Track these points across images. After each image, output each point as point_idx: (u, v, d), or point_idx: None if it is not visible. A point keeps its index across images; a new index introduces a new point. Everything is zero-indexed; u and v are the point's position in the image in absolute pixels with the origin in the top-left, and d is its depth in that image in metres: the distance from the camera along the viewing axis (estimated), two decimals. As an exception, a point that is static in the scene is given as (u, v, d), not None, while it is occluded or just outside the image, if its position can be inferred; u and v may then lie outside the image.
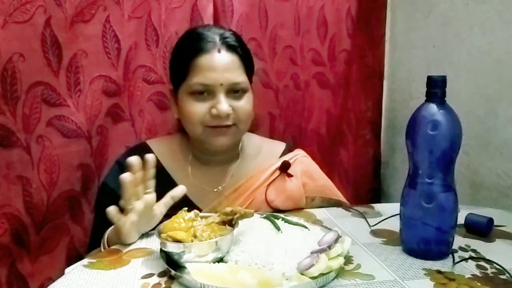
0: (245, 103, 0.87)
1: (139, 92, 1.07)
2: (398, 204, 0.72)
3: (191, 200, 0.91)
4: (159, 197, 0.81)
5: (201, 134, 0.86)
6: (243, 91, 0.87)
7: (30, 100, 0.88)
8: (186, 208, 0.71)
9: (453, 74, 1.09)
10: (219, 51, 0.84)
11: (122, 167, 0.88)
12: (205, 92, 0.84)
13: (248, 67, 0.90)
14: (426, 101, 0.67)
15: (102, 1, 0.95)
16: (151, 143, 0.96)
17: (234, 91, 0.86)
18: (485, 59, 1.04)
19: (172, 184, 0.89)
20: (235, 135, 0.88)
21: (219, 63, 0.84)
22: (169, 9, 1.07)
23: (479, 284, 0.60)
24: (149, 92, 1.08)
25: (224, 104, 0.83)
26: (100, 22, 0.95)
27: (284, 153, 0.99)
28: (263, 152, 0.99)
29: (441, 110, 0.66)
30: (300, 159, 0.98)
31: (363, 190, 1.46)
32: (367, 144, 1.44)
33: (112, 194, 0.85)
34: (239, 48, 0.87)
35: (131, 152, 0.93)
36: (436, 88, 0.66)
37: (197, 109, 0.84)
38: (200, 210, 0.86)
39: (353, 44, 1.35)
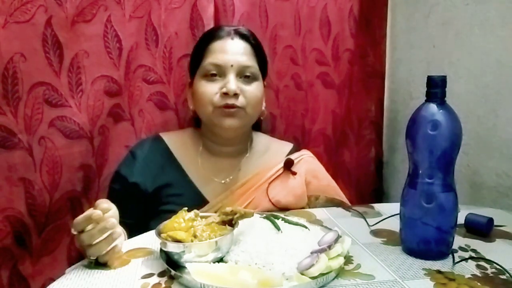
0: (254, 89, 0.91)
1: (138, 92, 1.07)
2: (398, 204, 0.72)
3: (199, 189, 0.93)
4: (169, 183, 0.91)
5: (211, 114, 0.89)
6: (254, 78, 0.91)
7: (31, 101, 0.87)
8: (186, 208, 0.71)
9: (453, 74, 1.09)
10: (232, 38, 0.92)
11: (135, 155, 0.93)
12: (217, 74, 0.90)
13: (260, 60, 0.95)
14: (426, 101, 0.68)
15: (103, 0, 0.95)
16: (164, 135, 0.99)
17: (245, 76, 0.90)
18: (485, 59, 1.04)
19: (182, 173, 0.94)
20: (243, 118, 0.91)
21: (231, 47, 0.91)
22: (169, 9, 1.07)
23: (479, 284, 0.60)
24: (148, 92, 1.08)
25: (232, 83, 0.87)
26: (101, 22, 0.95)
27: (291, 153, 1.02)
28: (271, 150, 1.02)
29: (441, 110, 0.66)
30: (306, 159, 1.01)
31: (366, 190, 1.45)
32: (370, 144, 1.43)
33: (123, 181, 0.91)
34: (251, 38, 0.94)
35: (144, 142, 0.98)
36: (436, 88, 0.66)
37: (208, 89, 0.89)
38: (206, 200, 0.91)
39: (356, 44, 1.34)
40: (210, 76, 0.90)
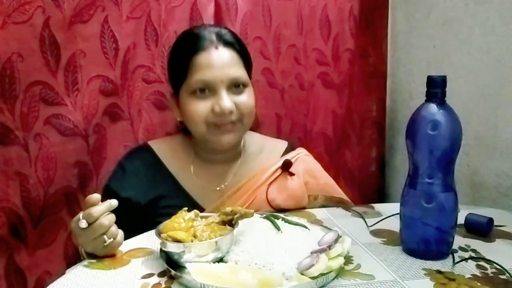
0: (247, 98, 0.87)
1: (138, 92, 1.07)
2: (398, 204, 0.72)
3: (194, 198, 0.91)
4: (162, 195, 0.87)
5: (206, 133, 0.86)
6: (244, 86, 0.87)
7: (28, 99, 0.90)
8: (186, 208, 0.71)
9: (453, 74, 1.09)
10: (216, 47, 0.84)
11: (124, 168, 0.90)
12: (207, 90, 0.84)
13: (246, 63, 0.89)
14: (426, 101, 0.67)
15: (101, 1, 0.95)
16: (152, 144, 0.95)
17: (235, 86, 0.85)
18: (485, 59, 1.04)
19: (175, 183, 0.91)
20: (240, 131, 0.88)
21: (218, 60, 0.84)
22: (169, 8, 1.07)
23: (479, 284, 0.60)
24: (147, 92, 1.08)
25: (226, 101, 0.83)
26: (99, 22, 0.96)
27: (286, 151, 0.99)
28: (265, 150, 0.99)
29: (441, 110, 0.66)
30: (302, 158, 0.98)
31: (369, 191, 1.44)
32: (372, 144, 1.42)
33: (114, 195, 0.84)
34: (236, 44, 0.87)
35: (133, 153, 0.94)
36: (436, 88, 0.66)
37: (200, 107, 0.84)
38: (203, 209, 0.87)
39: (356, 44, 1.34)
40: (199, 93, 0.84)
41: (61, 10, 0.90)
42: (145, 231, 0.80)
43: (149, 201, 0.88)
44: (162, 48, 1.08)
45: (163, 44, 1.08)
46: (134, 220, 0.85)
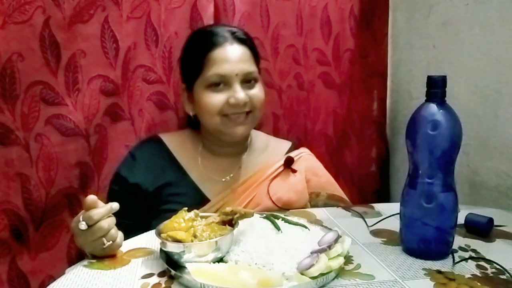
0: (258, 91, 0.92)
1: (138, 92, 1.07)
2: (398, 204, 0.72)
3: (199, 188, 0.94)
4: (170, 183, 0.91)
5: (220, 124, 0.89)
6: (255, 80, 0.92)
7: (29, 99, 0.89)
8: (186, 208, 0.71)
9: (453, 74, 1.09)
10: (231, 43, 0.90)
11: (134, 156, 0.94)
12: (221, 84, 0.88)
13: (257, 60, 0.95)
14: (426, 101, 0.68)
15: (101, 1, 0.95)
16: (163, 136, 0.99)
17: (247, 81, 0.90)
18: (485, 59, 1.04)
19: (183, 173, 0.95)
20: (252, 123, 0.93)
21: (233, 55, 0.89)
22: (169, 9, 1.07)
23: (479, 284, 0.60)
24: (148, 92, 1.08)
25: (241, 93, 0.88)
26: (99, 22, 0.96)
27: (290, 150, 1.03)
28: (270, 148, 1.03)
29: (441, 110, 0.66)
30: (305, 157, 1.02)
31: (369, 191, 1.43)
32: (371, 144, 1.42)
33: (124, 182, 0.91)
34: (248, 41, 0.93)
35: (144, 142, 0.99)
36: (436, 88, 0.66)
37: (215, 99, 0.88)
38: (207, 198, 0.92)
39: (357, 43, 1.34)
40: (214, 86, 0.88)
41: (61, 10, 0.89)
42: (151, 219, 0.83)
43: (156, 188, 0.91)
44: (163, 48, 1.08)
45: (163, 45, 1.08)
46: (141, 206, 0.89)
